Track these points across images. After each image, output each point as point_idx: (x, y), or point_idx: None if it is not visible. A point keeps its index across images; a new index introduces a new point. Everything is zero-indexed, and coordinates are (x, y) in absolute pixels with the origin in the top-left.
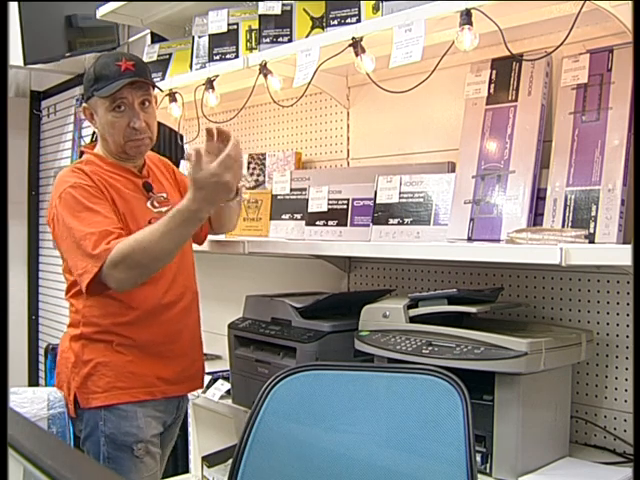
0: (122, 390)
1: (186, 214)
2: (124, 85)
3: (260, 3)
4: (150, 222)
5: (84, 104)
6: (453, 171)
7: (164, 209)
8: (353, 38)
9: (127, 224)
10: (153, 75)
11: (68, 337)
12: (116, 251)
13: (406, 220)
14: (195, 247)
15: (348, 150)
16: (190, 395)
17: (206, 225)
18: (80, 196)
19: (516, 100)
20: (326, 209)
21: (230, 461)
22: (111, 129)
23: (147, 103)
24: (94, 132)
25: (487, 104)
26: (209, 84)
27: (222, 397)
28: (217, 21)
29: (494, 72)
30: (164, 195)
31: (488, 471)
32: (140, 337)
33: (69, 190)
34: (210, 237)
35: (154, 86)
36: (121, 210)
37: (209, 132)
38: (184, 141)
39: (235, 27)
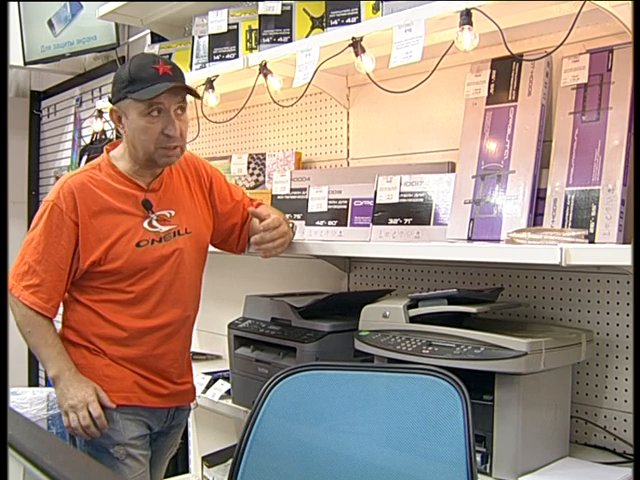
0: None
1: (47, 365)
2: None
3: (260, 3)
4: (139, 244)
5: (112, 106)
6: (453, 171)
7: (165, 228)
8: (353, 38)
9: (108, 248)
10: None
11: None
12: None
13: (406, 220)
14: None
15: (348, 150)
16: None
17: (244, 235)
18: (47, 220)
19: (516, 100)
20: (326, 209)
21: (230, 461)
22: (143, 135)
23: (181, 111)
24: (94, 133)
25: (487, 104)
26: (209, 84)
27: (222, 397)
28: (217, 21)
29: (494, 72)
30: (170, 212)
31: (488, 471)
32: (112, 352)
33: (47, 203)
34: None
35: (192, 93)
36: (96, 235)
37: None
38: None
39: (235, 27)
